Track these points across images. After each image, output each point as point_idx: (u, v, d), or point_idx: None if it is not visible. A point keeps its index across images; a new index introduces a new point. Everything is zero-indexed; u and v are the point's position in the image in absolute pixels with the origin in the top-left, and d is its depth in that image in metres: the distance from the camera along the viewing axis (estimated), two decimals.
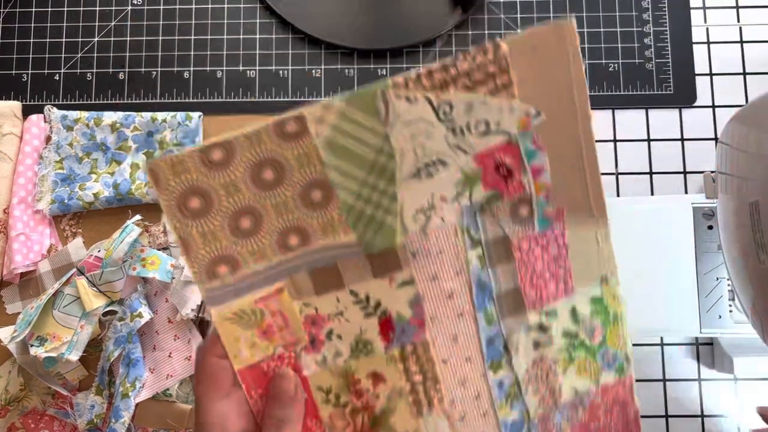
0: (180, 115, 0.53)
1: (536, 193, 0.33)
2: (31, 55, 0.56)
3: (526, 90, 0.32)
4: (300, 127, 0.30)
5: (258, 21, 0.56)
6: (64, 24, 0.56)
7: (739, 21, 0.56)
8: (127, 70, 0.56)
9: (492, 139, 0.32)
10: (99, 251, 0.49)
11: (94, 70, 0.56)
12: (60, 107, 0.53)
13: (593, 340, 0.35)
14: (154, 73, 0.56)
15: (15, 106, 0.53)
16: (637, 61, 0.55)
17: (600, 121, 0.55)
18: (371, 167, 0.32)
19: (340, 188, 0.31)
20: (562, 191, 0.33)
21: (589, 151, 0.32)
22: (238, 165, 0.30)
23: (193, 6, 0.56)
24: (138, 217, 0.50)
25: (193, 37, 0.56)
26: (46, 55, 0.56)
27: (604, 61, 0.55)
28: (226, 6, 0.56)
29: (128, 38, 0.56)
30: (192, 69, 0.56)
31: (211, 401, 0.32)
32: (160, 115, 0.53)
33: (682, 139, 0.54)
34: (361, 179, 0.32)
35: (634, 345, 0.41)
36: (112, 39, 0.56)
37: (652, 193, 0.54)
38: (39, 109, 0.53)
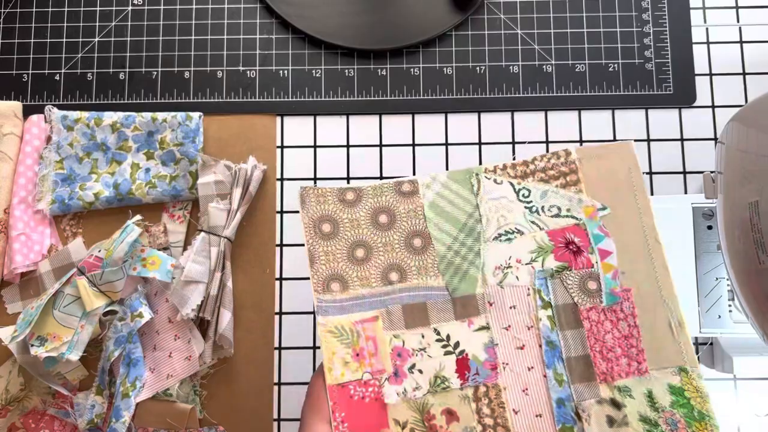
0: (180, 115, 0.53)
1: (603, 272, 0.38)
2: (31, 55, 0.56)
3: (592, 187, 0.39)
4: (413, 188, 0.40)
5: (258, 21, 0.56)
6: (65, 24, 0.56)
7: (738, 21, 0.56)
8: (127, 70, 0.56)
9: (563, 221, 0.39)
10: (99, 251, 0.49)
11: (95, 70, 0.56)
12: (60, 107, 0.53)
13: None
14: (155, 73, 0.56)
15: (15, 106, 0.53)
16: (636, 61, 0.55)
17: (600, 121, 0.55)
18: (462, 227, 0.39)
19: (436, 240, 0.39)
20: (630, 275, 0.38)
21: (654, 243, 0.38)
22: (363, 207, 0.39)
23: (194, 6, 0.56)
24: (138, 217, 0.50)
25: (193, 37, 0.56)
26: (47, 55, 0.56)
27: (603, 61, 0.55)
28: (226, 6, 0.56)
29: (129, 38, 0.56)
30: (192, 69, 0.56)
31: (314, 422, 0.35)
32: (161, 115, 0.53)
33: (682, 139, 0.54)
34: (453, 235, 0.39)
35: None
36: (112, 39, 0.56)
37: (652, 193, 0.54)
38: (39, 109, 0.53)
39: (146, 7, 0.56)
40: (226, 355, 0.50)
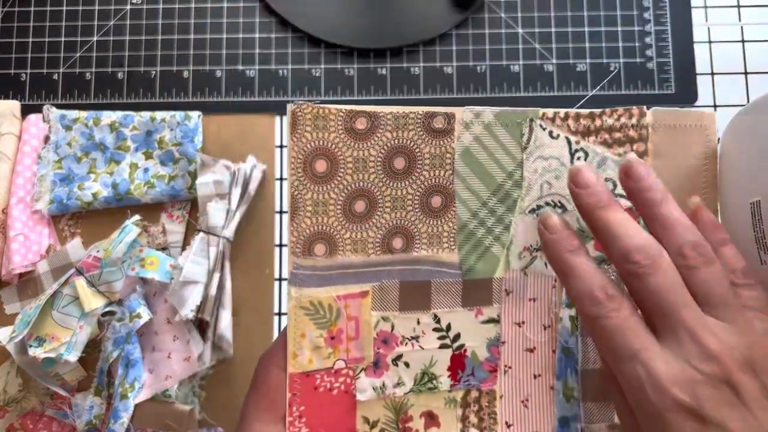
0: (179, 115, 0.52)
1: None
2: (29, 55, 0.56)
3: (660, 164, 0.31)
4: (447, 125, 0.30)
5: (257, 20, 0.56)
6: (63, 23, 0.56)
7: (740, 20, 0.56)
8: (126, 69, 0.55)
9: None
10: (98, 251, 0.48)
11: (93, 70, 0.55)
12: (59, 107, 0.53)
13: None
14: (153, 72, 0.55)
15: (13, 105, 0.53)
16: (638, 60, 0.55)
17: None
18: (497, 189, 0.31)
19: (461, 202, 0.31)
20: None
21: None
22: (376, 143, 0.30)
23: (192, 5, 0.56)
24: (137, 217, 0.50)
25: (192, 36, 0.56)
26: (45, 55, 0.56)
27: (605, 61, 0.55)
28: (225, 5, 0.56)
29: (127, 37, 0.56)
30: (191, 68, 0.55)
31: (261, 423, 0.29)
32: (159, 115, 0.52)
33: None
34: (483, 199, 0.31)
35: None
36: (111, 38, 0.56)
37: None
38: (38, 109, 0.53)
39: (145, 6, 0.56)
40: (226, 356, 0.50)
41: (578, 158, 0.31)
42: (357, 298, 0.30)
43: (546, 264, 0.31)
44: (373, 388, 0.30)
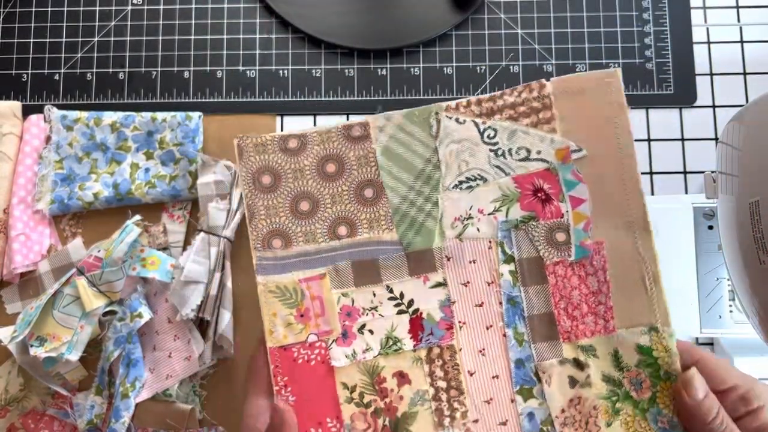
0: (180, 115, 0.53)
1: (574, 223, 0.34)
2: (30, 55, 0.56)
3: (567, 126, 0.35)
4: (363, 132, 0.35)
5: (258, 21, 0.56)
6: (64, 24, 0.56)
7: (739, 21, 0.56)
8: (126, 70, 0.56)
9: (532, 165, 0.35)
10: (99, 251, 0.49)
11: (94, 70, 0.56)
12: (60, 107, 0.53)
13: (641, 394, 0.33)
14: (154, 72, 0.55)
15: (15, 106, 0.53)
16: (637, 60, 0.55)
17: None
18: (419, 174, 0.35)
19: (390, 190, 0.35)
20: (604, 225, 0.34)
21: (633, 190, 0.34)
22: (308, 155, 0.35)
23: (193, 6, 0.56)
24: (138, 217, 0.50)
25: (193, 36, 0.56)
26: (46, 55, 0.56)
27: (604, 61, 0.55)
28: (225, 6, 0.56)
29: (128, 38, 0.56)
30: (192, 69, 0.56)
31: (254, 395, 0.34)
32: (160, 115, 0.53)
33: (683, 139, 0.54)
34: (409, 184, 0.35)
35: None
36: (112, 39, 0.56)
37: (653, 193, 0.54)
38: (39, 109, 0.53)
39: (145, 7, 0.56)
40: (226, 356, 0.50)
41: (488, 136, 0.35)
42: (317, 280, 0.35)
43: (478, 229, 0.35)
44: (346, 356, 0.34)
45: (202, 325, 0.50)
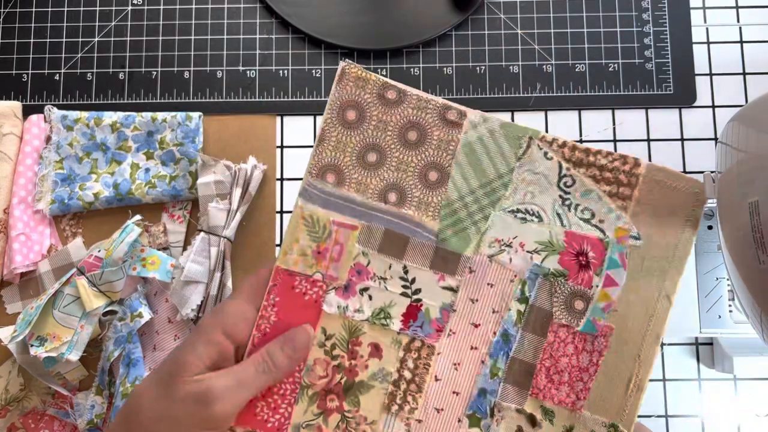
0: (180, 115, 0.53)
1: (598, 299, 0.35)
2: (31, 55, 0.56)
3: (639, 210, 0.35)
4: (458, 119, 0.36)
5: (258, 21, 0.56)
6: (65, 24, 0.56)
7: (738, 21, 0.56)
8: (127, 70, 0.56)
9: (589, 228, 0.35)
10: (99, 251, 0.49)
11: (95, 70, 0.56)
12: (60, 107, 0.53)
13: None
14: (154, 73, 0.56)
15: (15, 106, 0.53)
16: (636, 61, 0.55)
17: (599, 121, 0.55)
18: (486, 184, 0.36)
19: (453, 183, 0.36)
20: (621, 316, 0.35)
21: (663, 299, 0.34)
22: (398, 113, 0.36)
23: (193, 6, 0.56)
24: (138, 217, 0.50)
25: (193, 37, 0.56)
26: (47, 55, 0.56)
27: (603, 61, 0.55)
28: (226, 6, 0.56)
29: (128, 38, 0.56)
30: (192, 69, 0.56)
31: (243, 300, 0.35)
32: (161, 115, 0.53)
33: (682, 139, 0.54)
34: (472, 188, 0.36)
35: None
36: (112, 39, 0.56)
37: None
38: (39, 109, 0.53)
39: (146, 7, 0.56)
40: None
41: (566, 183, 0.36)
42: (348, 228, 0.36)
43: (511, 259, 0.35)
44: (338, 306, 0.35)
45: None
